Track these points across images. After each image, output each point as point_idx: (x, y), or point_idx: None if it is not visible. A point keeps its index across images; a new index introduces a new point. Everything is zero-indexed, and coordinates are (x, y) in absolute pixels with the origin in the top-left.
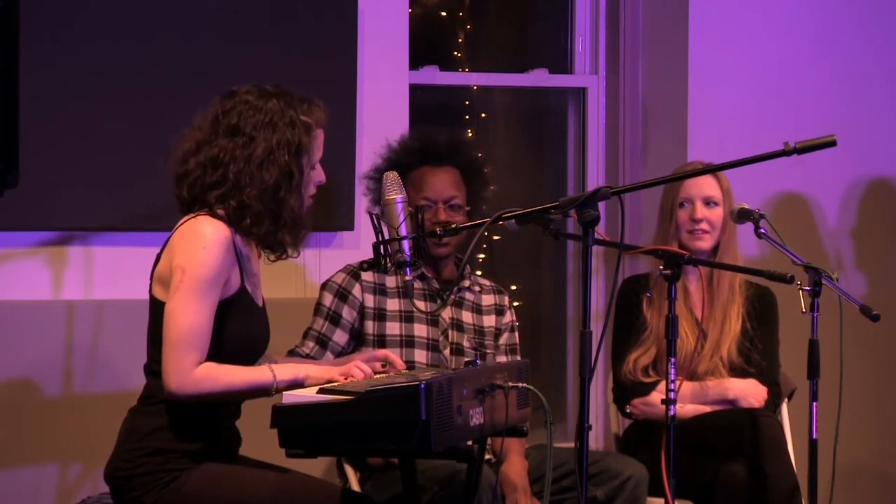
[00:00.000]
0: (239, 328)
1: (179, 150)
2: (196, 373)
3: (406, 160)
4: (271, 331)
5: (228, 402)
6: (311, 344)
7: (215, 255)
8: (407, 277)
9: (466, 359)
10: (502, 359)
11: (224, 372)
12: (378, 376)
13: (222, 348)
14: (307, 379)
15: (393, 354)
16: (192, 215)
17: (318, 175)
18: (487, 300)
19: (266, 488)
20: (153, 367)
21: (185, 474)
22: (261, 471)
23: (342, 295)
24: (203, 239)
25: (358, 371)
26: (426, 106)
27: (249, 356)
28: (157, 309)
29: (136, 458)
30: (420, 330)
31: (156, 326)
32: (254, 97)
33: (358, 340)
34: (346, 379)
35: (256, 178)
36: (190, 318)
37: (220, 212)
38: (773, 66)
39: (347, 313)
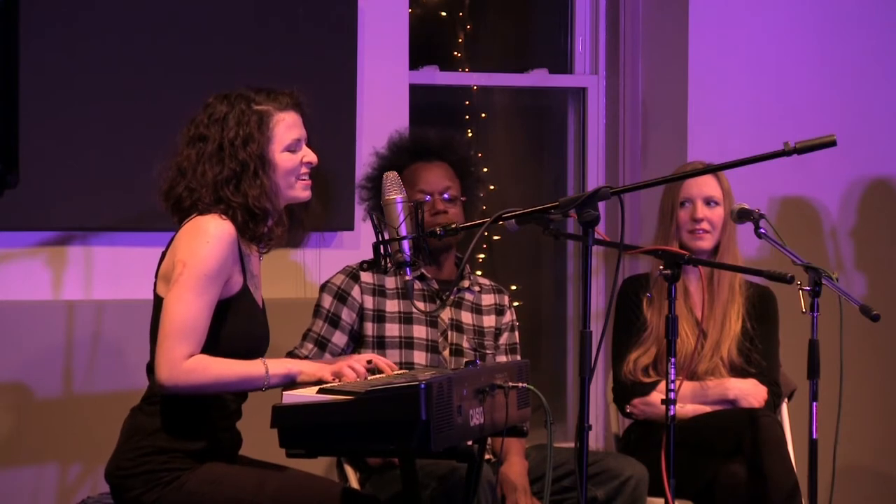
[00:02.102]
0: (240, 328)
1: (160, 169)
2: (186, 364)
3: (398, 160)
4: (271, 331)
5: (228, 402)
6: (310, 346)
7: (218, 251)
8: (407, 277)
9: (466, 359)
10: (502, 358)
11: (215, 364)
12: (378, 376)
13: (222, 348)
14: (300, 374)
15: (379, 360)
16: (196, 214)
17: (305, 156)
18: (487, 300)
19: (267, 487)
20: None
21: (186, 474)
22: (261, 470)
23: (341, 297)
24: (206, 234)
25: (349, 370)
26: (426, 106)
27: (249, 358)
28: (160, 307)
29: (138, 457)
30: (419, 331)
31: (158, 324)
32: (213, 100)
33: (357, 342)
34: (335, 378)
35: (208, 175)
36: (185, 309)
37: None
38: (773, 66)
39: (347, 315)
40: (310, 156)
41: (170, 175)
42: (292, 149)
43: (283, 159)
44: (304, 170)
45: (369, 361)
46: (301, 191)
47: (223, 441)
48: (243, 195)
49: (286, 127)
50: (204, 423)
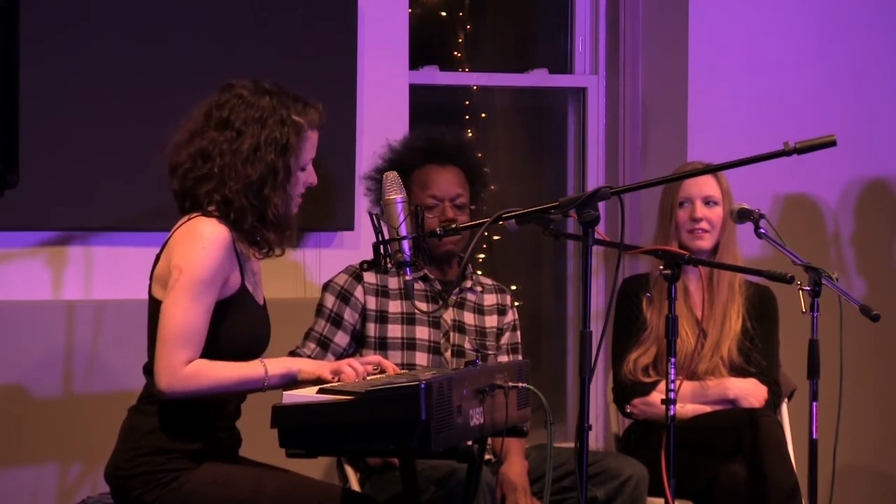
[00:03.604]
0: (241, 327)
1: (173, 141)
2: (186, 370)
3: (410, 160)
4: (271, 331)
5: (226, 402)
6: (313, 345)
7: (213, 256)
8: (407, 277)
9: (467, 360)
10: (504, 358)
11: (214, 368)
12: (377, 376)
13: (223, 347)
14: (300, 373)
15: (385, 360)
16: (191, 216)
17: (309, 176)
18: (490, 300)
19: (266, 488)
20: (151, 367)
21: (186, 474)
22: (261, 470)
23: (344, 297)
24: (202, 239)
25: (349, 369)
26: (426, 106)
27: (251, 355)
28: (155, 309)
29: (137, 458)
30: (421, 332)
31: (154, 326)
32: (248, 92)
33: (359, 342)
34: (334, 377)
35: (241, 173)
36: (183, 315)
37: (211, 209)
38: (773, 66)
39: (349, 315)
40: (313, 177)
41: (189, 153)
42: (304, 167)
43: (296, 175)
44: (301, 190)
45: (376, 366)
46: (293, 208)
47: (222, 441)
48: (264, 200)
49: (310, 146)
50: (202, 423)
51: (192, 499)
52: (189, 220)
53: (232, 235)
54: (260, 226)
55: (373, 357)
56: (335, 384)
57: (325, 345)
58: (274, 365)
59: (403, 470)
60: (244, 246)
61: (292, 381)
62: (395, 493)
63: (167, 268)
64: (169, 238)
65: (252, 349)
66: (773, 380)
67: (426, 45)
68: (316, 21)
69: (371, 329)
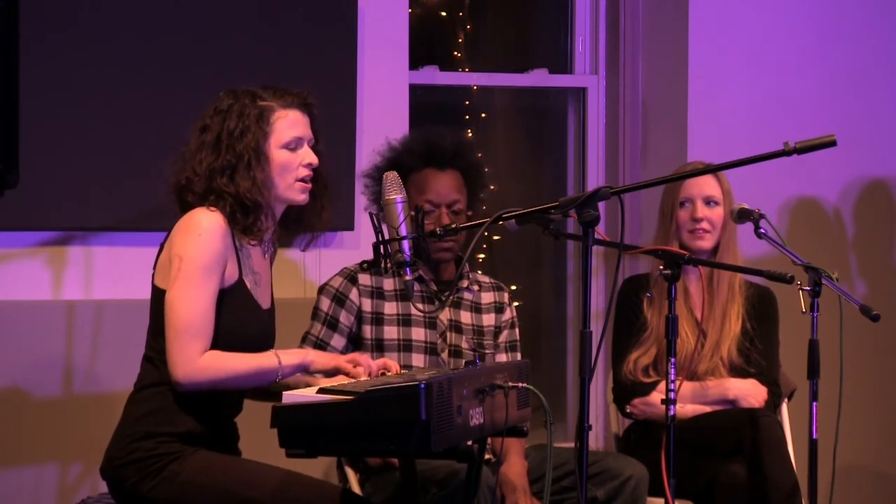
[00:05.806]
0: (234, 322)
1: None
2: (202, 360)
3: (409, 162)
4: None
5: (222, 395)
6: (309, 348)
7: (212, 243)
8: (407, 277)
9: (466, 360)
10: (502, 356)
11: (229, 358)
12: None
13: (218, 342)
14: (313, 364)
15: (391, 362)
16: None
17: (305, 156)
18: (487, 298)
19: (267, 484)
20: (150, 355)
21: (180, 461)
22: (259, 464)
23: (339, 300)
24: (199, 227)
25: (364, 359)
26: (426, 106)
27: (247, 352)
28: (157, 297)
29: (128, 445)
30: (418, 333)
31: (156, 315)
32: (222, 94)
33: (356, 345)
34: (353, 366)
35: (204, 162)
36: (191, 305)
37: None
38: (773, 66)
39: (345, 318)
40: (309, 157)
41: (177, 165)
42: (291, 147)
43: (279, 155)
44: (303, 172)
45: (384, 371)
46: (297, 193)
47: (216, 428)
48: (236, 186)
49: (287, 124)
50: (192, 407)
51: (187, 489)
52: (188, 212)
53: (227, 224)
54: (240, 210)
55: (381, 360)
56: (335, 384)
57: (321, 348)
58: (287, 356)
59: (403, 470)
60: (240, 239)
61: (305, 372)
62: (395, 494)
63: (168, 258)
64: (170, 231)
65: (248, 348)
66: (773, 380)
67: (426, 45)
68: (316, 21)
69: (367, 331)
